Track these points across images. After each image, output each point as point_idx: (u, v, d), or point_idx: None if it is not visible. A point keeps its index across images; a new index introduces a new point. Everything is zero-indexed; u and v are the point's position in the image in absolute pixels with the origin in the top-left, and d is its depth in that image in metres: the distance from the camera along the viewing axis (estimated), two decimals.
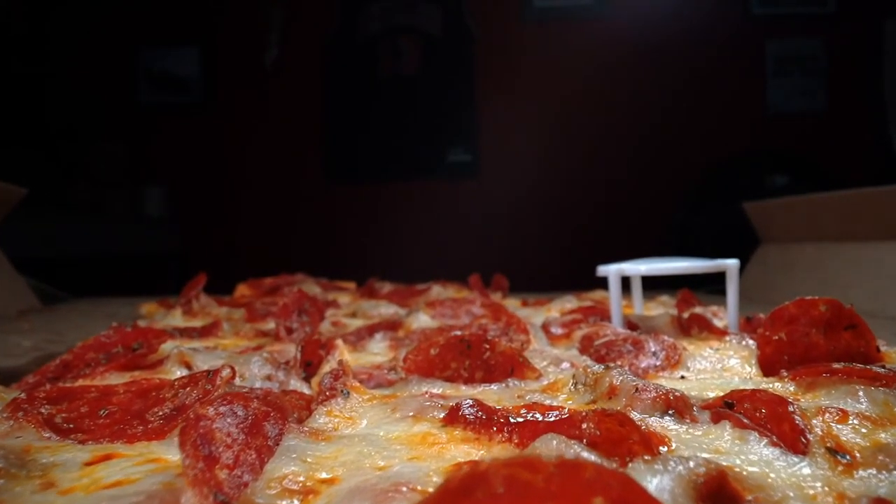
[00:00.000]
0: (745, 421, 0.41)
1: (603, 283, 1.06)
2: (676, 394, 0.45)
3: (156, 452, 0.39)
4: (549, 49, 3.61)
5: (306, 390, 0.57)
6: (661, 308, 1.09)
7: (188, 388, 0.46)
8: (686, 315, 0.85)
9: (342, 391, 0.48)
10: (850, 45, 3.51)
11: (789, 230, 1.89)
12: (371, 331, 0.79)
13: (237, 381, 0.58)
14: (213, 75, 3.70)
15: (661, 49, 3.49)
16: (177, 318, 1.01)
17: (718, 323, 0.85)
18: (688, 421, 0.43)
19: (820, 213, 1.76)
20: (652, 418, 0.43)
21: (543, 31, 3.62)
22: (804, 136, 3.52)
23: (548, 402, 0.49)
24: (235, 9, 3.71)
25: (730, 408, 0.45)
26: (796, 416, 0.39)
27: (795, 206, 1.86)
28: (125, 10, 3.64)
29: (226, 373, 0.47)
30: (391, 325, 0.81)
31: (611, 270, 0.80)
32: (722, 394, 0.51)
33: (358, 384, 0.51)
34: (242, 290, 1.50)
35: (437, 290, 1.34)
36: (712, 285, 1.81)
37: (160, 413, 0.43)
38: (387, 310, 0.99)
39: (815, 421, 0.40)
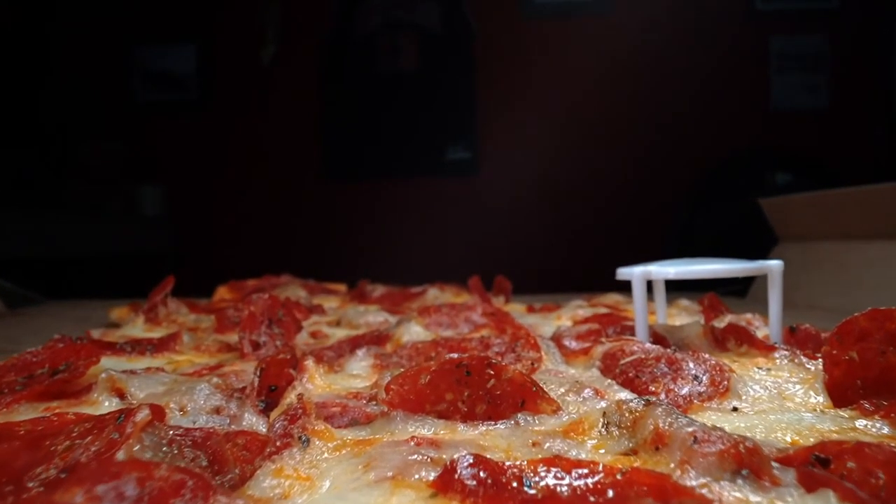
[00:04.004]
0: (859, 493, 0.29)
1: (615, 285, 0.94)
2: (749, 445, 0.33)
3: None
4: (549, 46, 3.54)
5: (263, 427, 0.45)
6: (684, 315, 0.97)
7: (89, 438, 0.34)
8: (721, 325, 0.74)
9: (300, 438, 0.36)
10: (853, 40, 3.43)
11: (810, 227, 1.77)
12: (353, 345, 0.67)
13: (177, 415, 0.47)
14: (209, 73, 3.65)
15: (662, 46, 3.42)
16: (138, 327, 0.89)
17: (757, 334, 0.73)
18: (767, 484, 0.32)
19: (843, 209, 1.64)
20: (720, 483, 0.31)
21: (544, 27, 3.55)
22: (808, 132, 3.44)
23: (573, 452, 0.37)
24: (232, 6, 3.66)
25: (824, 465, 0.33)
26: None
27: (816, 203, 1.74)
28: (121, 7, 3.58)
29: (141, 416, 0.35)
30: (377, 339, 0.69)
31: (635, 273, 0.68)
32: (799, 439, 0.39)
33: (324, 426, 0.39)
34: (222, 292, 1.38)
35: (433, 294, 1.23)
36: (727, 286, 1.70)
37: (43, 476, 0.32)
38: (375, 317, 0.87)
39: None
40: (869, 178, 1.53)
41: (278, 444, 0.35)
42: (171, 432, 0.39)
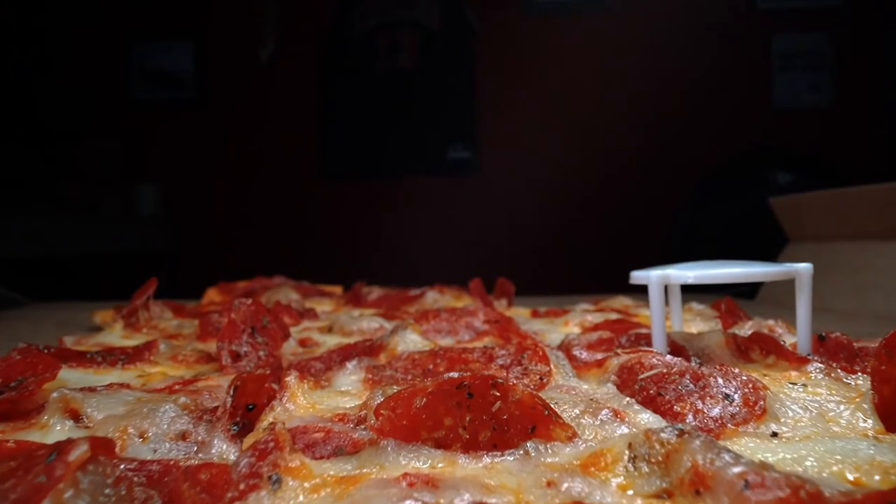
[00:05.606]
0: None
1: (620, 287, 0.89)
2: (810, 489, 0.28)
3: None
4: (550, 44, 3.50)
5: (235, 455, 0.39)
6: (698, 321, 0.91)
7: (10, 482, 0.28)
8: (742, 332, 0.68)
9: (270, 478, 0.30)
10: (856, 37, 3.40)
11: (823, 228, 1.72)
12: (344, 356, 0.61)
13: (136, 442, 0.41)
14: (207, 71, 3.61)
15: (665, 44, 3.38)
16: (115, 334, 0.83)
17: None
18: None
19: (857, 208, 1.59)
20: None
21: (545, 25, 3.50)
22: (812, 131, 3.41)
23: (596, 495, 0.31)
24: (230, 3, 3.61)
25: None
26: None
27: (829, 202, 1.69)
28: (118, 5, 3.54)
29: (75, 454, 0.29)
30: (370, 348, 0.63)
31: (652, 278, 0.62)
32: (861, 476, 0.34)
33: (300, 461, 0.33)
34: (212, 295, 1.32)
35: (432, 297, 1.17)
36: (734, 288, 1.64)
37: None
38: (370, 324, 0.81)
39: None
40: (872, 177, 1.48)
41: (242, 486, 0.29)
42: (121, 467, 0.33)
